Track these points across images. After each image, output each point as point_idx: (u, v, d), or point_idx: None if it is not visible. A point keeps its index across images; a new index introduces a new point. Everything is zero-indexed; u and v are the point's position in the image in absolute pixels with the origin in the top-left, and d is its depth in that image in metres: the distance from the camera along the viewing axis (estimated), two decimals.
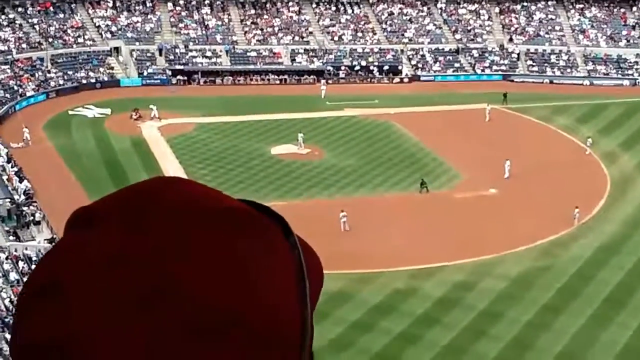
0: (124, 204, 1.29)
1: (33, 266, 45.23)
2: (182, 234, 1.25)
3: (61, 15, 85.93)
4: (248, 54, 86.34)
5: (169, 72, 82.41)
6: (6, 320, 41.81)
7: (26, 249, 47.91)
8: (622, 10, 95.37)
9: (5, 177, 56.60)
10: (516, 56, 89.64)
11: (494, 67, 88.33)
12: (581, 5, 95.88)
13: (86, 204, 1.34)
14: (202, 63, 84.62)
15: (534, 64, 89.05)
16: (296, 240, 1.33)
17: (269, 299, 1.24)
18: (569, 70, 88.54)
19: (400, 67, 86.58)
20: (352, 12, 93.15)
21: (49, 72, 79.28)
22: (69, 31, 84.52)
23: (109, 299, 1.20)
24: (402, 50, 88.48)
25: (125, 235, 1.24)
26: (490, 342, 40.85)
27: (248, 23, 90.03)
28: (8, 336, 40.19)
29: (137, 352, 1.17)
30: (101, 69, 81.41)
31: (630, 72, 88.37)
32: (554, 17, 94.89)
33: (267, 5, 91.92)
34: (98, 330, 1.18)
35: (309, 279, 1.30)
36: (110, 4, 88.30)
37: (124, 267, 1.22)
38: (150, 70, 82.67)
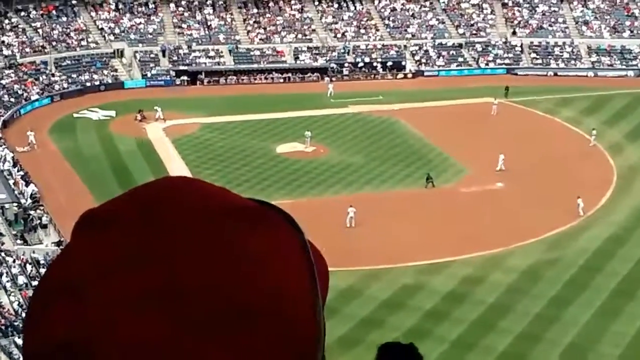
0: (136, 204, 1.30)
1: (42, 270, 45.54)
2: (198, 231, 1.26)
3: (64, 19, 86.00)
4: (251, 53, 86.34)
5: (173, 73, 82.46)
6: (15, 324, 41.86)
7: (34, 252, 47.98)
8: (625, 0, 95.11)
9: (11, 181, 56.68)
10: (520, 49, 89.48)
11: (498, 61, 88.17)
12: None
13: (93, 207, 1.34)
14: (205, 63, 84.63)
15: (538, 56, 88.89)
16: (305, 238, 1.35)
17: (286, 294, 1.26)
18: (572, 62, 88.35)
19: (403, 63, 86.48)
20: (355, 8, 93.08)
21: (53, 75, 79.37)
22: (72, 34, 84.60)
23: (129, 298, 1.21)
24: (405, 46, 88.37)
25: (140, 235, 1.26)
26: (500, 336, 40.87)
27: (251, 22, 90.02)
28: (18, 340, 40.25)
29: (157, 349, 1.19)
30: (105, 72, 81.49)
31: (634, 62, 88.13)
32: (556, 9, 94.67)
33: (270, 4, 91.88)
34: (118, 329, 1.19)
35: (318, 276, 1.32)
36: (113, 7, 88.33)
37: (142, 266, 1.23)
38: (154, 72, 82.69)
